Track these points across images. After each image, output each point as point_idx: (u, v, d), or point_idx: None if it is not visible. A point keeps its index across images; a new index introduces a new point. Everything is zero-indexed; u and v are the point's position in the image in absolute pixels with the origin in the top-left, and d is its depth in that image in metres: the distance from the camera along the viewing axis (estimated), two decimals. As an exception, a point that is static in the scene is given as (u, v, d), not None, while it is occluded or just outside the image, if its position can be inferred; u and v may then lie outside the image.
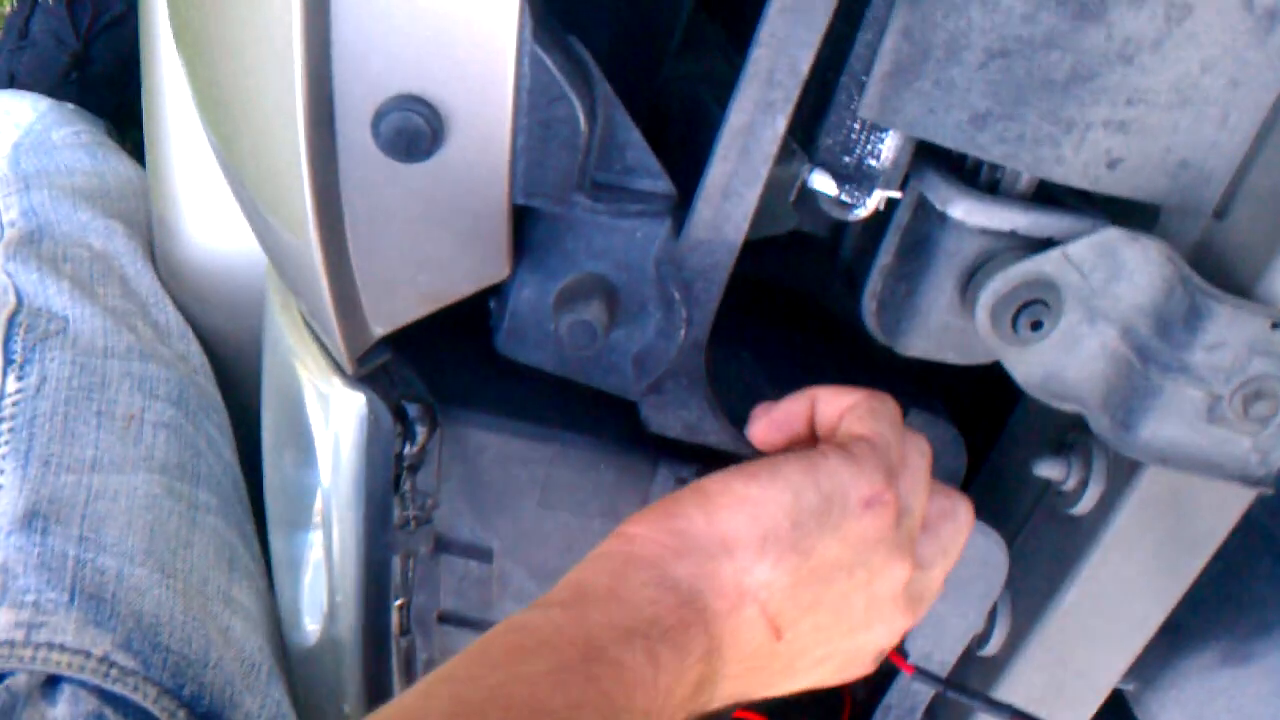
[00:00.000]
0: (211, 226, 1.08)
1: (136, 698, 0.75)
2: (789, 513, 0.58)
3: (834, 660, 0.62)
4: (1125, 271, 0.64)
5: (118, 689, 0.75)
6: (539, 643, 0.51)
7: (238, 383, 1.09)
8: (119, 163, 1.23)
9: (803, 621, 0.59)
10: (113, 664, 0.75)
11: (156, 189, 1.10)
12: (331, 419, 0.71)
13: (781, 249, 0.91)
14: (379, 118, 0.57)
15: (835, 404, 0.65)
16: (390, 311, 0.67)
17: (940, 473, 0.73)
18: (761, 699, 0.63)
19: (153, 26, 1.06)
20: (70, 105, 1.36)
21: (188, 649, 0.80)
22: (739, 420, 0.71)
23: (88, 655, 0.75)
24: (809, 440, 0.66)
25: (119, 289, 1.04)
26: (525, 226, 0.66)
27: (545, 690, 0.48)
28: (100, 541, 0.82)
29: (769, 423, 0.66)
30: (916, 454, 0.64)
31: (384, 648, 0.77)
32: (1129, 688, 0.87)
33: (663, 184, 0.65)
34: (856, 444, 0.61)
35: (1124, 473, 0.71)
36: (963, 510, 0.66)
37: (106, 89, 1.44)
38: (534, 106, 0.59)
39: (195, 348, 1.06)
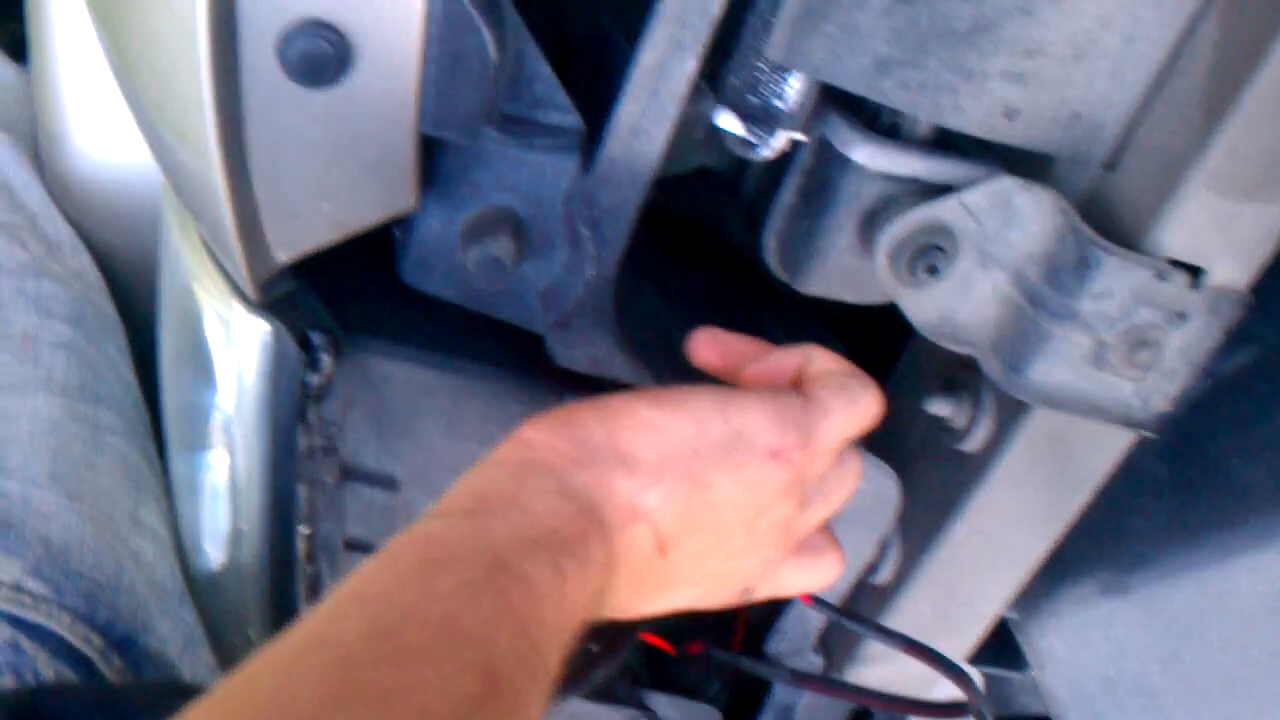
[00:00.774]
0: (102, 137, 1.03)
1: (51, 624, 0.74)
2: (690, 442, 0.58)
3: (704, 582, 0.63)
4: (1018, 219, 0.66)
5: (30, 616, 0.74)
6: (447, 555, 0.50)
7: (133, 300, 1.06)
8: (2, 68, 1.18)
9: (686, 542, 0.60)
10: (24, 590, 0.74)
11: (41, 95, 1.04)
12: (234, 345, 0.71)
13: (684, 182, 0.91)
14: (285, 42, 0.57)
15: (826, 364, 0.65)
16: (294, 238, 0.66)
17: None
18: (636, 615, 0.64)
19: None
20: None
21: (99, 574, 0.79)
22: (644, 353, 0.72)
23: None
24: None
25: (5, 202, 1.00)
26: (433, 157, 0.66)
27: (457, 606, 0.48)
28: (3, 466, 0.80)
29: (756, 372, 0.66)
30: (849, 465, 0.66)
31: (290, 574, 0.77)
32: (1013, 616, 0.91)
33: (571, 119, 0.65)
34: (788, 395, 0.62)
35: (1012, 412, 0.74)
36: (852, 462, 0.67)
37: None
38: (444, 37, 0.59)
39: (88, 262, 1.03)
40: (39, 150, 1.08)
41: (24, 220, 1.00)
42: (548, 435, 0.58)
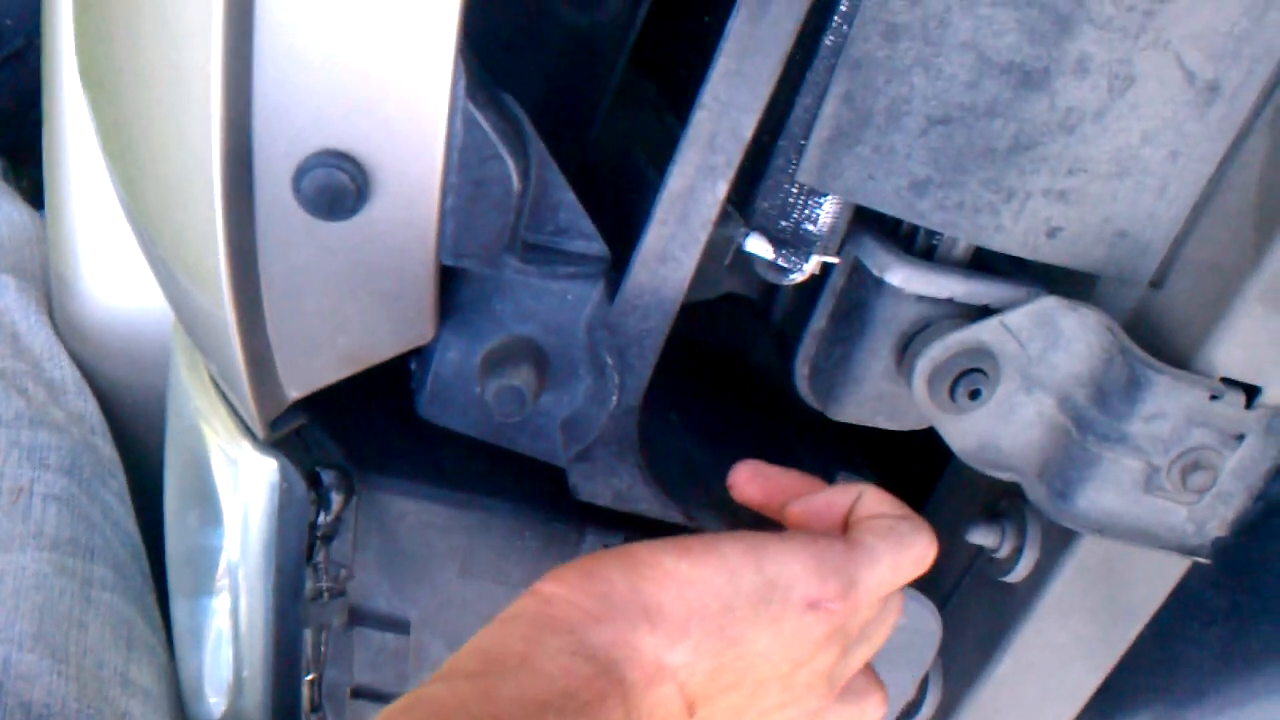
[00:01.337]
0: (113, 281, 1.03)
1: None
2: (720, 595, 0.55)
3: None
4: (1063, 340, 0.63)
5: None
6: None
7: (139, 441, 1.04)
8: (12, 209, 1.17)
9: (718, 701, 0.56)
10: None
11: (55, 240, 1.04)
12: (241, 485, 0.67)
13: (710, 307, 0.89)
14: (301, 173, 0.54)
15: (878, 507, 0.61)
16: (306, 374, 0.63)
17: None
18: None
19: (56, 63, 1.01)
20: (-42, 141, 1.30)
21: None
22: (671, 487, 0.69)
23: None
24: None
25: (9, 348, 0.98)
26: (451, 287, 0.64)
27: None
28: None
29: (804, 509, 0.62)
30: (891, 604, 0.62)
31: (294, 725, 0.73)
32: (1060, 756, 0.86)
33: (596, 246, 0.62)
34: (828, 542, 0.58)
35: (1059, 540, 0.70)
36: (894, 600, 0.63)
37: (3, 126, 1.38)
38: (465, 165, 0.56)
39: (92, 406, 1.00)
40: (50, 294, 1.07)
41: (27, 366, 0.98)
42: (566, 589, 0.55)
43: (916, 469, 0.82)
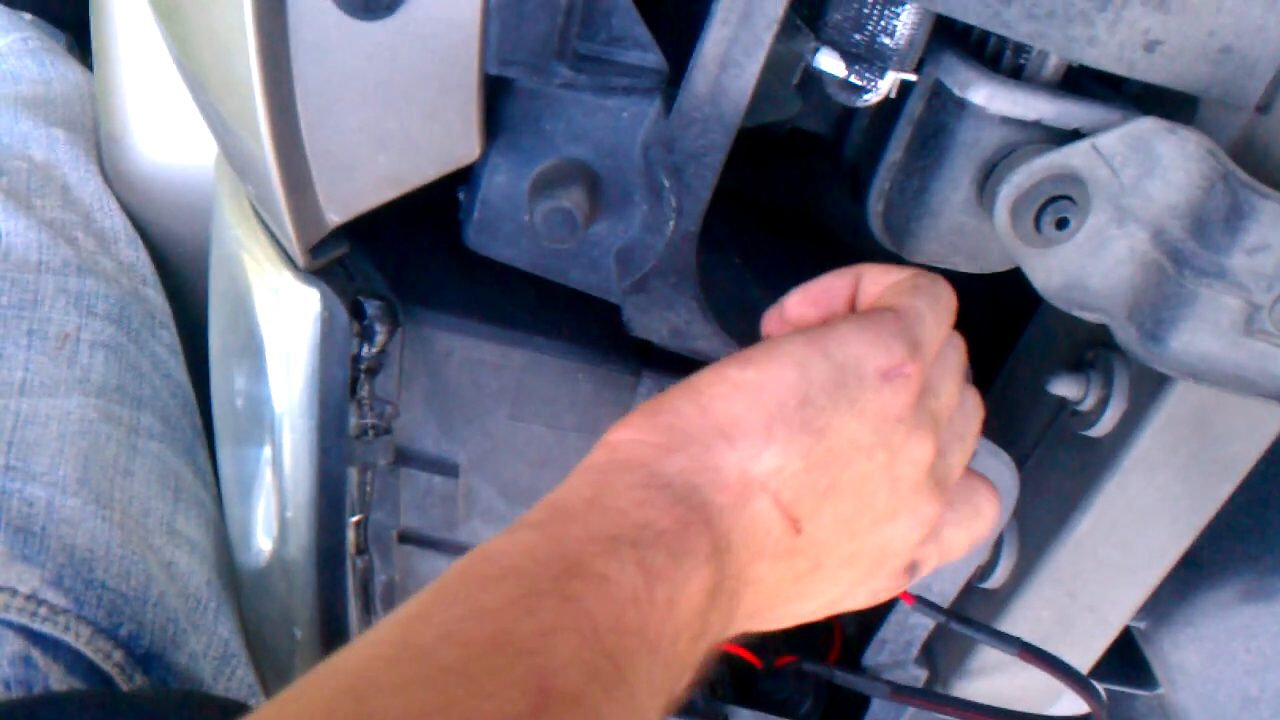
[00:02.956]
0: (163, 137, 1.02)
1: (68, 638, 0.69)
2: (795, 390, 0.52)
3: (863, 561, 0.56)
4: (1160, 167, 0.58)
5: (46, 629, 0.68)
6: (505, 570, 0.45)
7: (193, 295, 1.02)
8: (67, 69, 1.16)
9: (823, 510, 0.53)
10: (41, 601, 0.69)
11: (104, 103, 1.04)
12: (282, 317, 0.64)
13: (782, 163, 0.85)
14: (334, -34, 0.51)
15: (881, 280, 0.59)
16: (347, 196, 0.60)
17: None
18: (790, 620, 0.57)
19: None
20: (26, 15, 1.29)
21: (125, 585, 0.73)
22: (730, 330, 0.65)
23: (14, 593, 0.68)
24: None
25: (59, 199, 0.97)
26: (498, 104, 0.60)
27: (510, 619, 0.42)
28: (29, 470, 0.75)
29: (803, 296, 0.59)
30: (951, 345, 0.59)
31: (339, 568, 0.71)
32: (1140, 625, 0.82)
33: (653, 57, 0.58)
34: (878, 313, 0.55)
35: (1147, 391, 0.66)
36: (971, 398, 0.60)
37: (65, 2, 1.37)
38: (510, -41, 0.52)
39: (143, 255, 0.99)
40: (100, 153, 1.06)
41: (77, 216, 0.96)
42: (634, 431, 0.52)
43: (999, 321, 0.77)
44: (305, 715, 0.38)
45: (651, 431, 0.52)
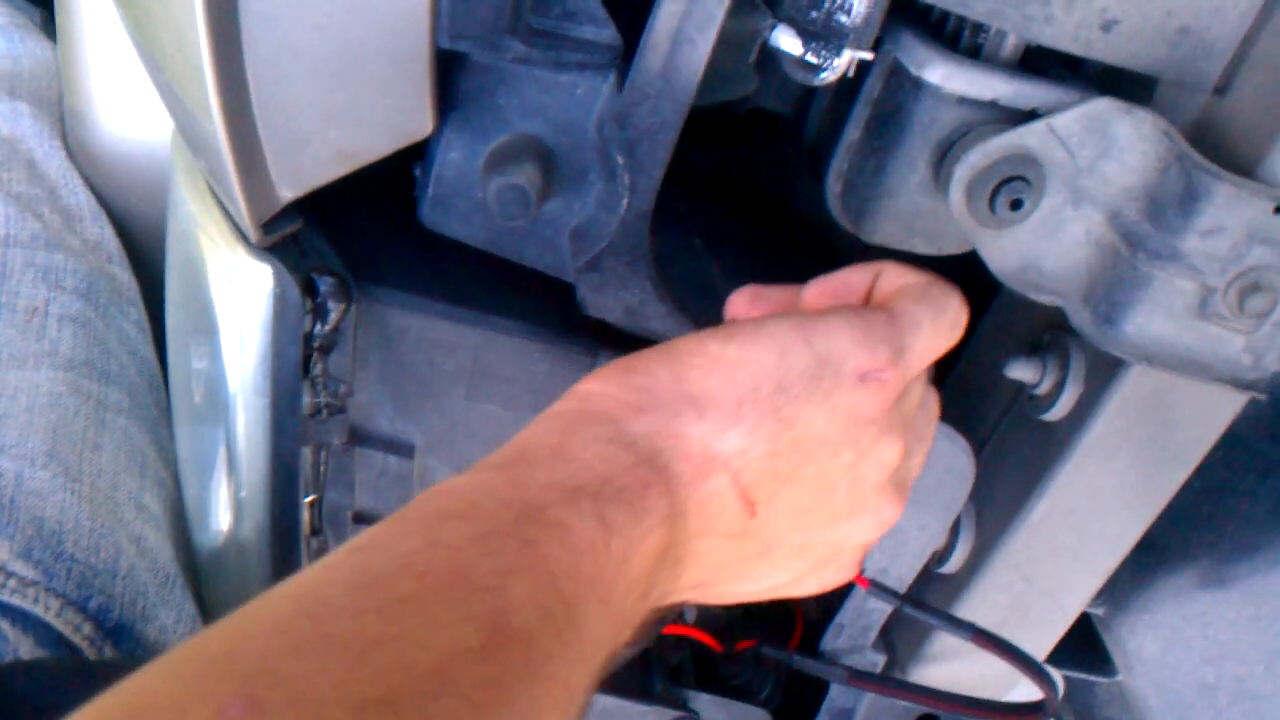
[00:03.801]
0: (125, 113, 1.01)
1: (37, 610, 0.69)
2: (772, 374, 0.52)
3: (813, 553, 0.56)
4: (1116, 148, 0.58)
5: (15, 601, 0.68)
6: (466, 506, 0.45)
7: (158, 273, 1.02)
8: (36, 45, 1.15)
9: (779, 497, 0.53)
10: (10, 574, 0.69)
11: (68, 78, 1.03)
12: (235, 294, 0.64)
13: (746, 144, 0.84)
14: (282, -65, 0.50)
15: (897, 280, 0.58)
16: (299, 171, 0.59)
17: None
18: (733, 598, 0.57)
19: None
20: (-4, -9, 1.28)
21: (94, 558, 0.73)
22: (687, 310, 0.65)
23: None
24: None
25: (25, 173, 0.96)
26: (452, 79, 0.60)
27: (469, 556, 0.42)
28: None
29: (821, 289, 0.59)
30: (930, 399, 0.60)
31: (294, 549, 0.71)
32: (1098, 612, 0.82)
33: (607, 32, 0.58)
34: (872, 312, 0.55)
35: (1103, 375, 0.66)
36: (931, 398, 0.61)
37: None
38: (461, -70, 0.52)
39: (109, 232, 0.98)
40: (65, 129, 1.05)
41: (43, 192, 0.96)
42: (605, 385, 0.52)
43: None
44: (261, 634, 0.37)
45: (623, 388, 0.52)
